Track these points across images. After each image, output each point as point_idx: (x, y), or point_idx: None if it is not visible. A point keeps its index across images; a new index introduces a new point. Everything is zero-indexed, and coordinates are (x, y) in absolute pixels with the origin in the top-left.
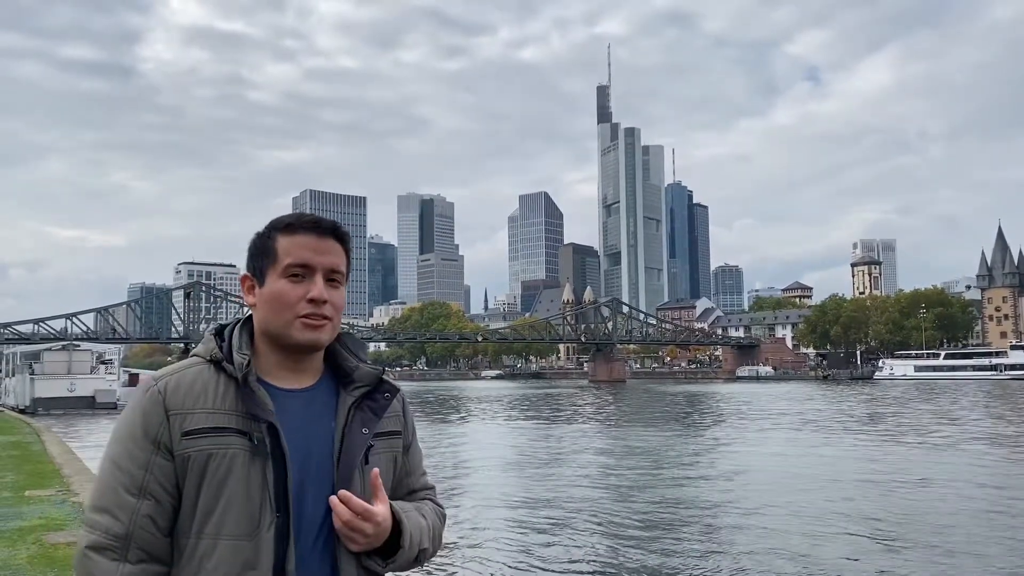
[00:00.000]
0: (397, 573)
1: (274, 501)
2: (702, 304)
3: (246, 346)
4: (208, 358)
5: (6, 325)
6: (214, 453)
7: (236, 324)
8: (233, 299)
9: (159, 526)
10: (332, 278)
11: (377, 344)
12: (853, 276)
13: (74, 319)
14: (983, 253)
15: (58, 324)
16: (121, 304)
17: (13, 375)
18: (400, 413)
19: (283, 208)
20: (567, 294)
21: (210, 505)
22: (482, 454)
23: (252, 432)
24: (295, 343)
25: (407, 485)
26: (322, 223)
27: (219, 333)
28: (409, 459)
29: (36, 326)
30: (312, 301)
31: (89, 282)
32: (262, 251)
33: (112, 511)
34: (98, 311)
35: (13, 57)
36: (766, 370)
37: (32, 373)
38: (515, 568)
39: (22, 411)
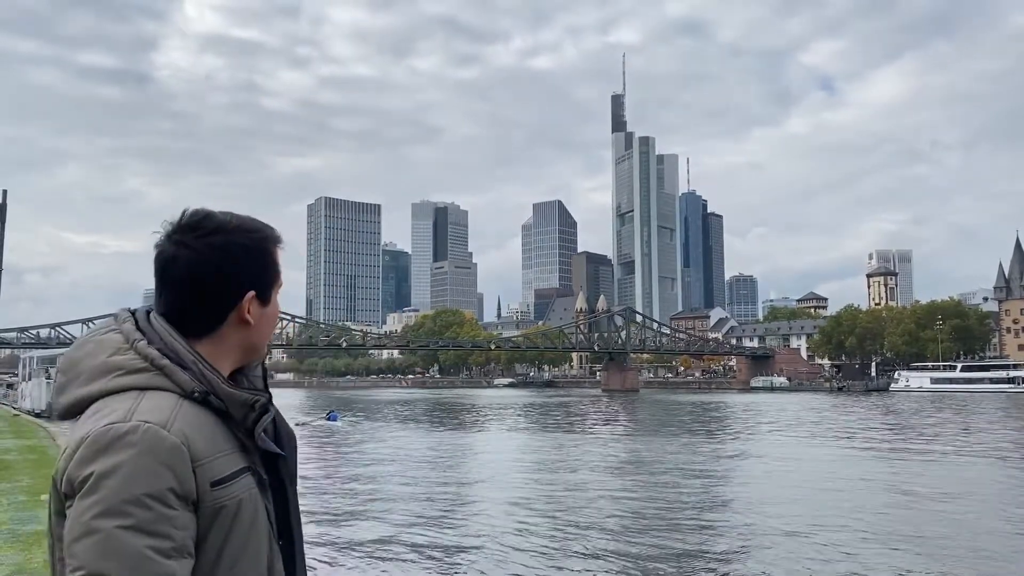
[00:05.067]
0: None
1: (276, 530)
2: (716, 314)
3: (210, 370)
4: (192, 394)
5: (23, 329)
6: (243, 497)
7: (162, 334)
8: None
9: None
10: None
11: (390, 351)
12: (868, 287)
13: (90, 324)
14: (1000, 264)
15: (74, 329)
16: None
17: (30, 379)
18: None
19: (299, 215)
20: (580, 302)
21: (239, 551)
22: (496, 462)
23: (252, 465)
24: (262, 357)
25: None
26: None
27: (158, 348)
28: None
29: (52, 330)
30: None
31: (105, 287)
32: (267, 267)
33: None
34: None
35: (31, 64)
36: (780, 381)
37: (48, 377)
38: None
39: (38, 415)
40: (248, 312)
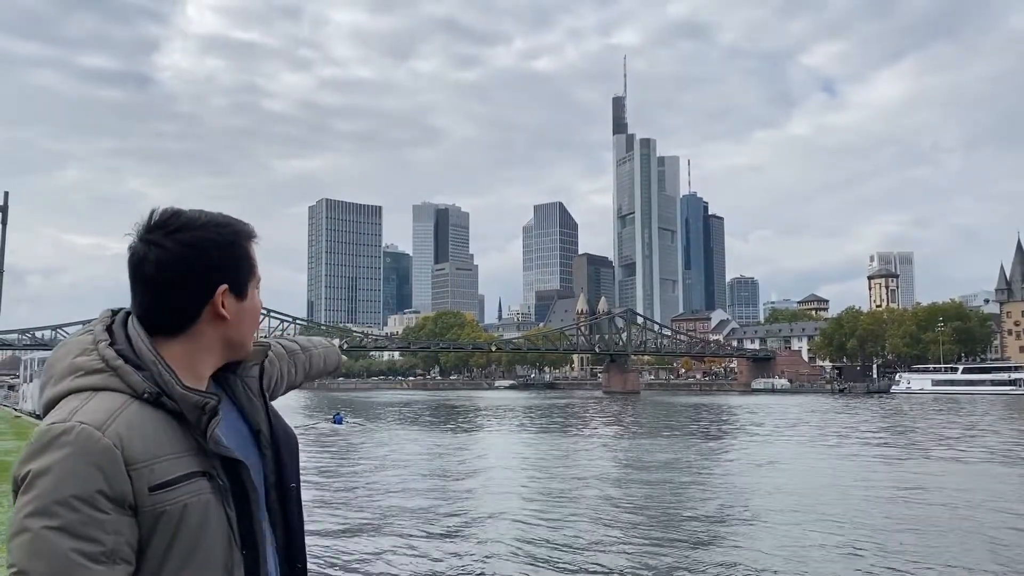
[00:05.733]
0: None
1: (239, 539)
2: (717, 316)
3: (167, 371)
4: (143, 395)
5: (24, 331)
6: (189, 503)
7: (125, 332)
8: None
9: None
10: None
11: (391, 353)
12: (870, 289)
13: None
14: (1001, 266)
15: (75, 330)
16: None
17: (31, 380)
18: (275, 360)
19: (300, 217)
20: (581, 304)
21: (185, 558)
22: (497, 464)
23: (210, 470)
24: (247, 354)
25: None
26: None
27: (117, 350)
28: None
29: (54, 332)
30: None
31: (106, 289)
32: (239, 260)
33: None
34: None
35: (32, 66)
36: (781, 383)
37: None
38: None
39: (39, 416)
40: (223, 306)
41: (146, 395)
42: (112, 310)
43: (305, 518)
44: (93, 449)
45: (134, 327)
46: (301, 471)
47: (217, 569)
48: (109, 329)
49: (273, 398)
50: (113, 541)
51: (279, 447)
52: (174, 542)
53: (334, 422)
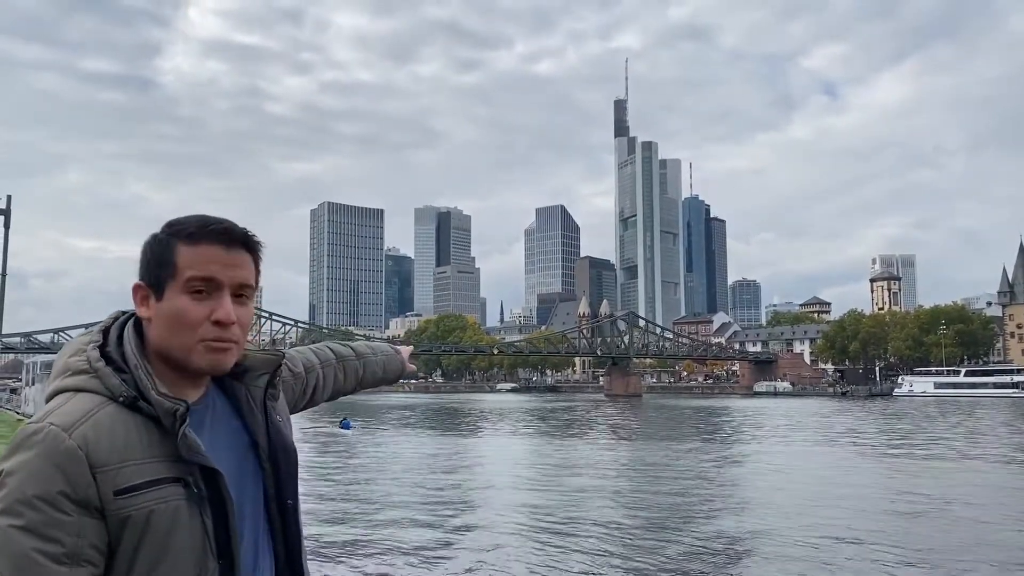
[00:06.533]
0: None
1: (215, 548)
2: (719, 318)
3: (147, 375)
4: (118, 398)
5: (26, 335)
6: (155, 509)
7: (120, 334)
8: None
9: None
10: (240, 293)
11: None
12: (872, 291)
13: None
14: (1004, 269)
15: (77, 334)
16: None
17: (33, 384)
18: (290, 374)
19: (302, 219)
20: (583, 307)
21: (152, 564)
22: (499, 466)
23: (186, 477)
24: (195, 368)
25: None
26: (231, 232)
27: (104, 353)
28: (305, 378)
29: (56, 335)
30: (218, 323)
31: (109, 292)
32: (160, 260)
33: None
34: None
35: (34, 69)
36: (784, 386)
37: None
38: None
39: None
40: (140, 304)
41: (121, 398)
42: (121, 311)
43: (309, 517)
44: (57, 450)
45: (130, 329)
46: (307, 472)
47: None
48: (107, 330)
49: (313, 404)
50: (74, 543)
51: (278, 462)
52: (140, 547)
53: (341, 427)
